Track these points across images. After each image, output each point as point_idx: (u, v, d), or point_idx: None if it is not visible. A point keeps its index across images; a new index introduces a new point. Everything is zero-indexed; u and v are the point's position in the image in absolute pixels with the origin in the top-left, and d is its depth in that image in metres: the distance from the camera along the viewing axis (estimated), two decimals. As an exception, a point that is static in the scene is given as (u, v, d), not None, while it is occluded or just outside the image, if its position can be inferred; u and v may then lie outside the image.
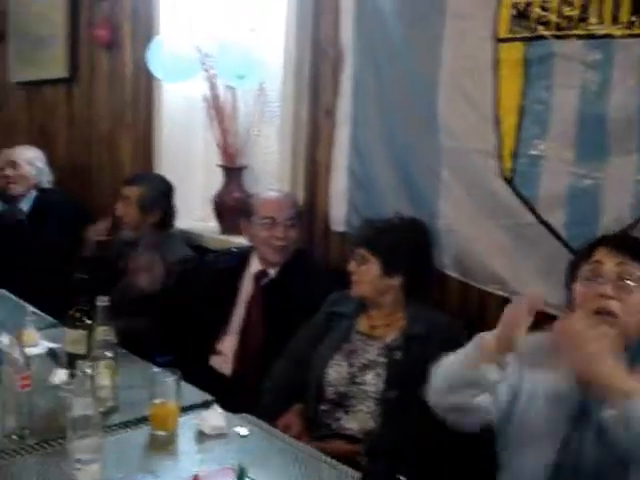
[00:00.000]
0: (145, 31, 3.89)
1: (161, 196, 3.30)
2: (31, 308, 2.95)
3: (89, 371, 1.60)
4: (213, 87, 3.45)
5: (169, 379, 1.88)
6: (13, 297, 3.24)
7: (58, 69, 4.60)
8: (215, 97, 3.47)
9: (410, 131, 2.56)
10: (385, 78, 2.63)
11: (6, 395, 1.82)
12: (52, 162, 4.27)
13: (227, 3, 3.51)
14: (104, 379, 1.97)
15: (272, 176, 3.41)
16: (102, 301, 1.99)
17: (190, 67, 3.44)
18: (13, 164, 4.05)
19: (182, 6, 3.68)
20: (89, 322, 2.03)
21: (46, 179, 4.14)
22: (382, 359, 2.17)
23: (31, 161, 4.08)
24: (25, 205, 4.04)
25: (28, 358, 1.86)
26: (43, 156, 4.18)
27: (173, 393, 1.88)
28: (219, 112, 3.48)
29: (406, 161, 2.58)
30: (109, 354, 1.97)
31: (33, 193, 4.05)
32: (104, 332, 1.97)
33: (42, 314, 2.94)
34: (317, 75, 3.02)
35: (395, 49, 2.54)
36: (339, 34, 2.84)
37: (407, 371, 2.10)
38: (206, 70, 3.40)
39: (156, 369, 1.92)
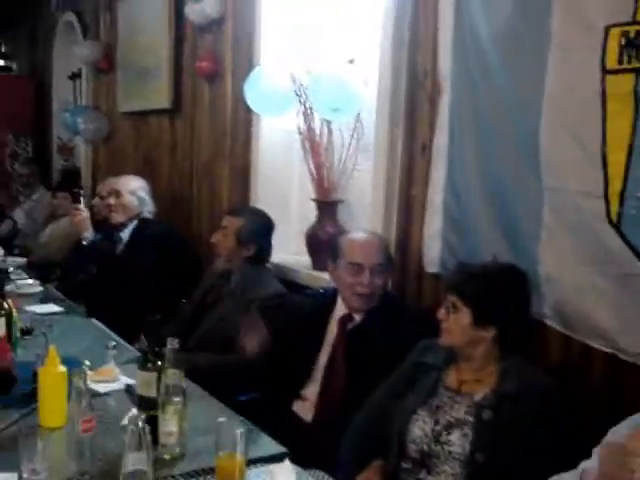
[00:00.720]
0: (245, 63, 3.87)
1: (260, 231, 3.23)
2: (115, 340, 2.95)
3: (141, 425, 1.51)
4: (308, 120, 3.38)
5: (238, 430, 1.77)
6: (101, 326, 3.25)
7: (162, 100, 4.66)
8: (310, 130, 3.39)
9: (509, 168, 2.37)
10: (483, 112, 2.46)
11: (70, 437, 1.77)
12: (155, 191, 4.31)
13: (325, 35, 3.44)
14: (171, 425, 1.88)
15: (367, 211, 3.28)
16: (172, 344, 1.91)
17: (286, 100, 3.39)
18: (117, 193, 4.08)
19: (280, 38, 3.64)
20: (159, 364, 1.95)
21: (148, 209, 4.12)
22: (470, 418, 1.99)
23: (134, 191, 4.10)
24: (125, 234, 4.07)
25: (98, 396, 1.80)
26: (147, 186, 4.18)
27: (241, 445, 1.77)
28: (314, 145, 3.40)
29: (505, 200, 2.40)
30: (178, 399, 1.89)
31: (134, 223, 4.08)
32: (174, 376, 1.89)
33: (128, 346, 2.92)
34: (413, 108, 2.88)
35: (494, 81, 2.38)
36: (437, 65, 2.70)
37: (497, 433, 1.91)
38: (301, 103, 3.33)
39: (224, 418, 1.82)
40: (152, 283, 3.69)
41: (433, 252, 2.73)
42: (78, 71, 6.45)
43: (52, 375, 2.07)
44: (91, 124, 5.75)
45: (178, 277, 3.77)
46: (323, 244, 3.34)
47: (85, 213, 4.07)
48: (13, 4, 7.64)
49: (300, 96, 3.32)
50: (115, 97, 5.51)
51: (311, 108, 3.33)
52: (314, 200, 3.43)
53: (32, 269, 4.54)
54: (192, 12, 4.17)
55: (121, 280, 3.77)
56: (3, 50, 8.87)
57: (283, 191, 3.81)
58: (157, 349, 1.98)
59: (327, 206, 3.41)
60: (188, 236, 4.50)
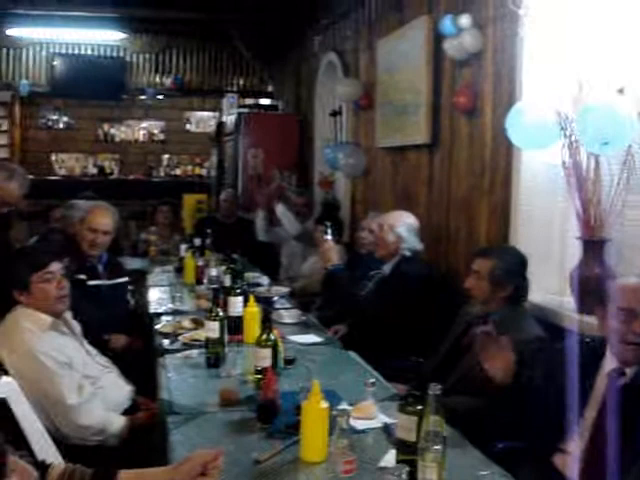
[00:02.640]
0: (506, 96, 3.79)
1: (513, 269, 3.13)
2: (374, 375, 2.97)
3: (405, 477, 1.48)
4: (574, 153, 3.21)
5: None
6: (360, 361, 3.31)
7: (420, 135, 4.70)
8: (576, 164, 3.22)
9: None
10: None
11: (329, 474, 1.79)
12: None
13: (591, 64, 3.26)
14: (431, 473, 1.84)
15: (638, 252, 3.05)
16: (434, 390, 1.87)
17: (550, 133, 3.25)
18: (380, 227, 4.19)
19: (544, 70, 3.51)
20: (420, 409, 1.93)
21: (407, 247, 4.12)
22: None
23: (392, 226, 4.14)
24: (387, 269, 4.14)
25: (356, 433, 1.80)
26: (413, 224, 4.18)
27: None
28: (580, 181, 3.22)
29: None
30: (437, 447, 1.85)
31: (395, 259, 4.12)
32: (435, 423, 1.85)
33: (385, 383, 2.93)
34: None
35: None
36: None
37: None
38: (567, 136, 3.18)
39: (484, 472, 1.75)
40: (401, 322, 3.71)
41: None
42: (339, 108, 6.72)
43: (315, 410, 2.12)
44: (350, 159, 5.94)
45: (428, 318, 3.76)
46: (589, 286, 3.14)
47: (331, 244, 4.20)
48: (279, 47, 8.18)
49: (565, 129, 3.17)
50: (374, 133, 5.65)
51: (577, 141, 3.16)
52: (579, 238, 3.24)
53: (294, 297, 4.77)
54: (450, 47, 4.17)
55: (369, 315, 3.84)
56: (270, 90, 9.54)
57: (544, 228, 3.66)
58: (418, 392, 1.95)
59: (594, 245, 3.21)
60: (442, 270, 4.49)
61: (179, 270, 5.48)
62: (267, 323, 2.74)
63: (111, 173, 11.29)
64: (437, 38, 4.52)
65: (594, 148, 3.09)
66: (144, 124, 11.21)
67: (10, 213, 4.32)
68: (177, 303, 4.34)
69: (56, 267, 2.93)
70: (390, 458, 2.08)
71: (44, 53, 9.83)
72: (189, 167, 11.47)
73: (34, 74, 9.88)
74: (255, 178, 7.72)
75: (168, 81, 9.72)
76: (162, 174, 11.40)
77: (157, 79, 9.80)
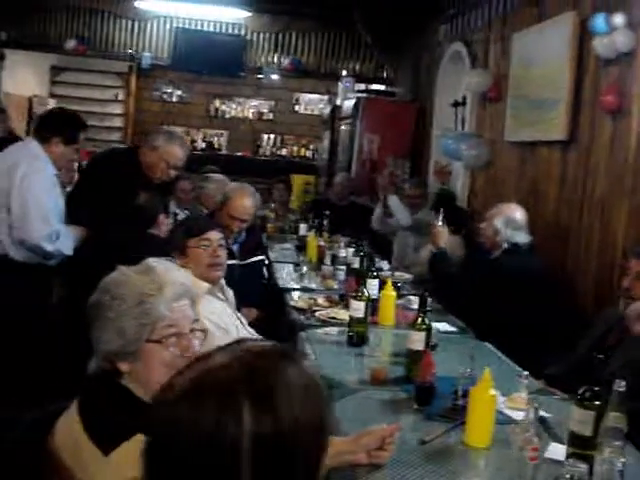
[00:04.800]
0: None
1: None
2: (518, 370, 3.00)
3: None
4: None
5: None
6: (497, 352, 3.34)
7: (557, 132, 4.65)
8: None
9: None
10: None
11: (511, 463, 1.83)
12: (538, 221, 4.32)
13: None
14: (610, 468, 1.87)
15: None
16: (619, 386, 1.90)
17: None
18: (485, 219, 4.23)
19: None
20: (598, 404, 1.95)
21: (505, 239, 4.12)
22: None
23: (491, 217, 4.19)
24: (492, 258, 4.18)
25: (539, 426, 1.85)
26: (518, 217, 4.17)
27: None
28: None
29: None
30: (617, 443, 1.87)
31: (498, 250, 4.14)
32: (615, 419, 1.88)
33: (530, 377, 2.96)
34: None
35: None
36: None
37: None
38: None
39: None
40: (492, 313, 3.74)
41: None
42: (462, 99, 6.70)
43: (484, 397, 2.17)
44: (473, 151, 5.93)
45: (530, 313, 3.78)
46: None
47: (440, 229, 4.35)
48: (400, 34, 8.19)
49: None
50: (502, 126, 5.62)
51: None
52: None
53: (415, 284, 4.82)
54: (600, 45, 4.12)
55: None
56: (385, 76, 9.55)
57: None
58: (596, 388, 1.98)
59: None
60: (574, 271, 4.46)
61: (300, 248, 5.58)
62: (423, 307, 2.80)
63: (219, 149, 11.54)
64: (582, 35, 4.47)
65: None
66: (254, 102, 11.39)
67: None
68: (305, 280, 4.44)
69: (214, 236, 3.07)
70: (555, 450, 2.12)
71: (167, 27, 10.09)
72: (295, 147, 11.61)
73: (157, 47, 10.16)
74: (369, 163, 7.77)
75: (286, 62, 9.85)
76: (268, 153, 11.58)
77: (275, 59, 9.94)
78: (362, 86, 9.04)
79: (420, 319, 2.75)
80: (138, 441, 1.52)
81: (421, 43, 7.98)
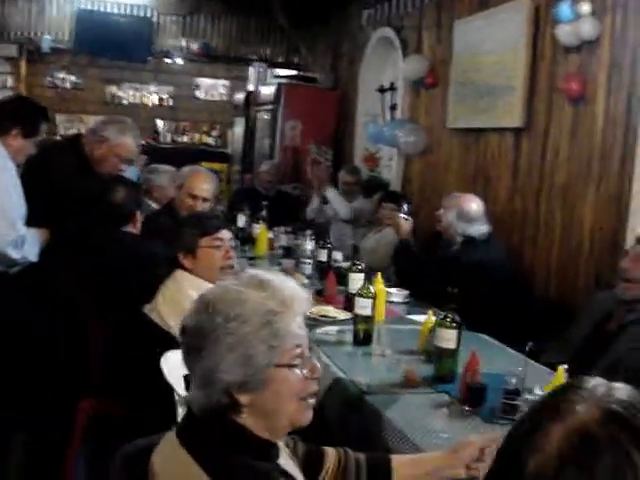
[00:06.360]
0: (625, 87, 3.82)
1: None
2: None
3: None
4: None
5: None
6: (498, 343, 3.32)
7: (511, 119, 4.68)
8: None
9: None
10: None
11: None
12: (490, 208, 4.35)
13: None
14: None
15: None
16: None
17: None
18: (446, 208, 4.21)
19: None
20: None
21: (459, 232, 4.13)
22: None
23: (446, 211, 4.19)
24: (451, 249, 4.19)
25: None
26: (470, 209, 4.14)
27: None
28: None
29: None
30: None
31: (458, 243, 4.16)
32: None
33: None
34: None
35: None
36: None
37: None
38: None
39: None
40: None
41: None
42: (390, 85, 6.66)
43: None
44: (411, 137, 5.91)
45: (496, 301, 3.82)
46: None
47: (406, 220, 4.38)
48: (319, 19, 8.06)
49: None
50: (441, 113, 5.62)
51: None
52: None
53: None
54: (563, 33, 4.15)
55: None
56: (298, 61, 9.36)
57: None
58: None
59: None
60: (533, 258, 4.51)
61: (243, 241, 5.37)
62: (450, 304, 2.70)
63: (119, 136, 11.00)
64: (537, 22, 4.51)
65: None
66: (153, 88, 10.95)
67: None
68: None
69: (226, 235, 2.85)
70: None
71: (68, 8, 9.49)
72: (197, 135, 11.26)
73: (57, 30, 9.55)
74: (291, 151, 7.63)
75: (194, 46, 9.48)
76: (168, 140, 11.17)
77: (183, 43, 9.55)
78: (281, 72, 8.82)
79: (449, 318, 2.65)
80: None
81: (341, 29, 7.88)
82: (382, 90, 6.82)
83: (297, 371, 1.45)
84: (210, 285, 2.73)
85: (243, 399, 1.40)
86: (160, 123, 10.94)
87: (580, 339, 3.32)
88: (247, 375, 1.39)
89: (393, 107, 6.61)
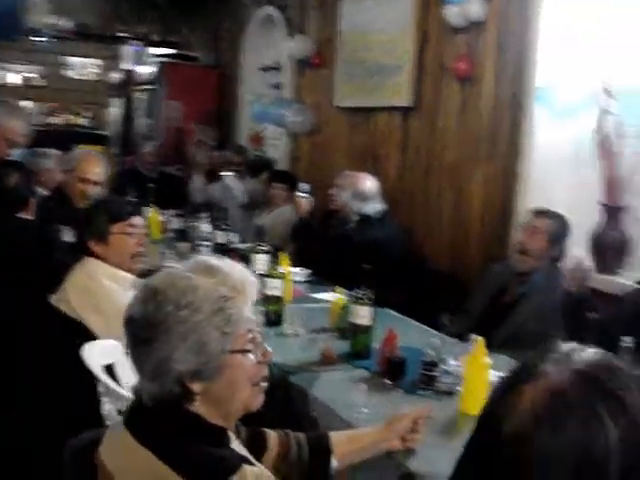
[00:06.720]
0: (512, 67, 3.99)
1: (565, 233, 3.32)
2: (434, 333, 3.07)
3: None
4: (601, 123, 3.46)
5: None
6: (404, 317, 3.42)
7: (400, 98, 4.78)
8: (604, 135, 3.47)
9: None
10: None
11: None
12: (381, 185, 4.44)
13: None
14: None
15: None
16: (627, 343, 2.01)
17: (578, 104, 3.47)
18: (338, 187, 4.27)
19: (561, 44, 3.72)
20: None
21: (363, 211, 4.20)
22: None
23: (340, 190, 4.26)
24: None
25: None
26: (359, 190, 4.21)
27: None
28: (606, 149, 3.48)
29: None
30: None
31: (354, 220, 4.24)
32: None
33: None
34: None
35: None
36: None
37: None
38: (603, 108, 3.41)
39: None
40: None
41: None
42: (275, 64, 6.64)
43: (480, 364, 2.21)
44: (298, 117, 5.92)
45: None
46: (609, 248, 3.46)
47: (306, 199, 4.43)
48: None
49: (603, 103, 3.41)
50: (328, 92, 5.66)
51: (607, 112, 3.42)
52: (603, 205, 3.51)
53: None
54: (451, 14, 4.27)
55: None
56: (175, 40, 9.13)
57: (553, 194, 3.87)
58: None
59: (615, 211, 3.50)
60: (424, 235, 4.64)
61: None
62: (365, 280, 2.74)
63: (-18, 118, 10.43)
64: (426, 2, 4.62)
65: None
66: (20, 67, 10.43)
67: None
68: (171, 260, 4.19)
69: (139, 221, 2.77)
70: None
71: None
72: (70, 116, 10.83)
73: None
74: (174, 131, 7.48)
75: (67, 24, 9.07)
76: (39, 122, 10.68)
77: (54, 21, 9.11)
78: (159, 51, 8.59)
79: (363, 294, 2.70)
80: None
81: (221, 6, 7.75)
82: (265, 69, 6.79)
83: (251, 356, 1.44)
84: (125, 274, 2.68)
85: (196, 387, 1.36)
86: (29, 105, 10.43)
87: (478, 312, 3.46)
88: (201, 363, 1.36)
89: (277, 86, 6.59)
